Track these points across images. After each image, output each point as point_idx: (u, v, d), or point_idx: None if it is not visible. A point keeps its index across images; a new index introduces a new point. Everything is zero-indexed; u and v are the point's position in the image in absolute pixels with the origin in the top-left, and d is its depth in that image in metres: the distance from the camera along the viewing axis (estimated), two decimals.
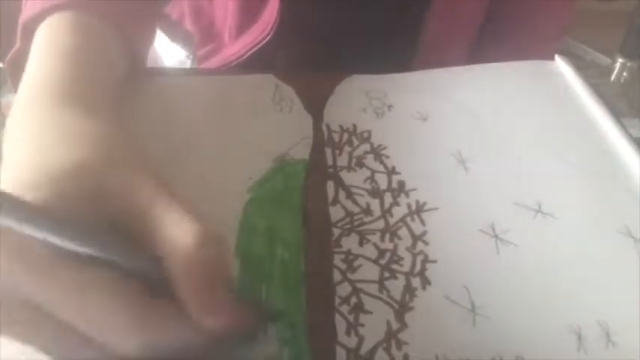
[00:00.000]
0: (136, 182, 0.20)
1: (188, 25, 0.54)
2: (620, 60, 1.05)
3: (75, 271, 0.18)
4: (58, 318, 0.18)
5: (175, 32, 0.52)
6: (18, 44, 0.33)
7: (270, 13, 0.46)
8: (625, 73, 1.05)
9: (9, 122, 0.25)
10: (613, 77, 1.06)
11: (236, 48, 0.49)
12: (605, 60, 1.12)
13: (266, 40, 0.47)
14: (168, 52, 0.54)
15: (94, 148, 0.22)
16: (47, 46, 0.30)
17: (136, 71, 0.36)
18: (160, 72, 0.45)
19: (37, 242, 0.18)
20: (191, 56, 0.52)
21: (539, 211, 0.31)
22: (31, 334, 0.18)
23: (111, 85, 0.30)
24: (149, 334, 0.18)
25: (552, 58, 0.42)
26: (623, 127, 0.35)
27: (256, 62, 0.48)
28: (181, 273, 0.19)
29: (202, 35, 0.54)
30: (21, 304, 0.18)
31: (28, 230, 0.17)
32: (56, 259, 0.18)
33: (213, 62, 0.52)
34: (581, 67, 0.41)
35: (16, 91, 0.27)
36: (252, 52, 0.48)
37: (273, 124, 0.35)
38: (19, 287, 0.18)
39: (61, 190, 0.20)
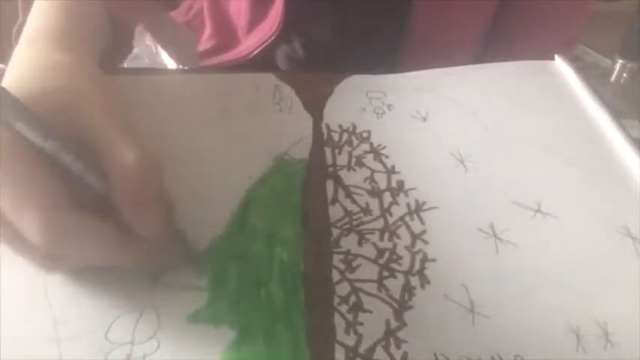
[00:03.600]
0: (90, 111, 0.24)
1: (205, 15, 0.55)
2: (620, 61, 1.05)
3: (26, 165, 0.22)
4: None
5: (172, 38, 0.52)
6: (20, 18, 0.37)
7: (275, 13, 0.47)
8: (625, 74, 1.05)
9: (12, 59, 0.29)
10: (613, 78, 1.06)
11: (245, 45, 0.50)
12: (605, 61, 1.12)
13: (271, 39, 0.47)
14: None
15: (63, 79, 0.26)
16: (44, 2, 0.33)
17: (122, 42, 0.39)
18: (160, 71, 0.45)
19: (6, 135, 0.22)
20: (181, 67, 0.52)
21: (538, 210, 0.31)
22: None
23: (92, 36, 0.34)
24: (59, 236, 0.22)
25: (552, 59, 0.42)
26: (623, 128, 0.35)
27: (264, 60, 0.49)
28: (120, 184, 0.23)
29: (217, 29, 0.54)
30: None
31: (12, 120, 0.22)
32: (16, 153, 0.22)
33: (225, 57, 0.52)
34: (581, 67, 0.41)
35: None
36: (259, 50, 0.48)
37: (272, 124, 0.35)
38: None
39: (35, 108, 0.23)
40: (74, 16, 0.33)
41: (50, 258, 0.24)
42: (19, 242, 0.23)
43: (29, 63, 0.28)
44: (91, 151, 0.24)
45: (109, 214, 0.23)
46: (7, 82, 0.27)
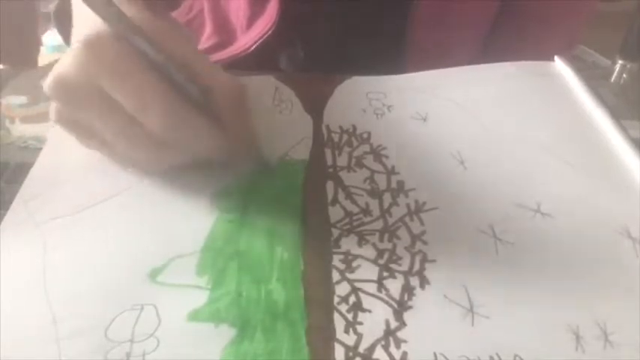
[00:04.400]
0: (190, 47, 0.29)
1: (206, 14, 0.55)
2: (620, 61, 1.05)
3: (144, 74, 0.27)
4: (119, 104, 0.27)
5: None
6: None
7: (272, 9, 0.47)
8: (625, 75, 1.05)
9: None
10: (613, 78, 1.06)
11: (243, 41, 0.50)
12: (605, 61, 1.12)
13: (267, 34, 0.47)
14: None
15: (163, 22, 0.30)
16: None
17: None
18: None
19: (125, 49, 0.27)
20: None
21: (538, 211, 0.31)
22: (102, 117, 0.28)
23: None
24: (177, 123, 0.27)
25: (552, 59, 0.42)
26: (623, 129, 0.35)
27: (261, 58, 0.49)
28: (223, 95, 0.29)
29: (218, 29, 0.55)
30: (98, 91, 0.27)
31: (132, 38, 0.27)
32: (134, 63, 0.27)
33: (223, 54, 0.52)
34: (581, 68, 0.41)
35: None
36: (256, 45, 0.48)
37: (273, 125, 0.36)
38: (98, 79, 0.27)
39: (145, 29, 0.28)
40: None
41: (162, 148, 0.28)
42: (137, 136, 0.28)
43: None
44: (190, 70, 0.28)
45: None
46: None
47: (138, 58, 0.27)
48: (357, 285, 0.27)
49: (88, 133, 0.30)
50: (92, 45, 0.27)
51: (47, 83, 0.28)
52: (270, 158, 0.33)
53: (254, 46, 0.49)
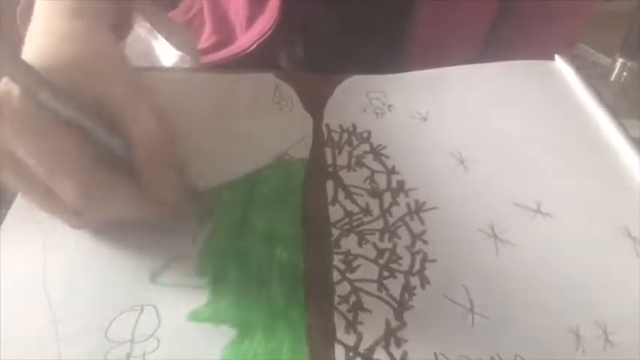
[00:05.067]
0: (115, 82, 0.26)
1: (205, 13, 0.55)
2: (620, 60, 1.05)
3: (55, 136, 0.24)
4: (30, 169, 0.24)
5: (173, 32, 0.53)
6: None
7: (272, 8, 0.47)
8: (625, 74, 1.05)
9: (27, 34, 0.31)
10: (613, 77, 1.06)
11: (243, 40, 0.50)
12: (605, 60, 1.12)
13: (268, 34, 0.47)
14: (166, 50, 0.54)
15: (80, 48, 0.27)
16: None
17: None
18: (159, 69, 0.45)
19: (35, 108, 0.24)
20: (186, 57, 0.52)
21: (538, 211, 0.31)
22: (14, 178, 0.25)
23: (102, 8, 0.33)
24: (91, 194, 0.25)
25: (552, 58, 0.42)
26: (623, 128, 0.35)
27: (261, 57, 0.49)
28: (142, 149, 0.26)
29: (217, 28, 0.54)
30: (9, 155, 0.24)
31: (45, 96, 0.24)
32: (45, 124, 0.24)
33: (222, 54, 0.52)
34: (582, 67, 0.41)
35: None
36: (256, 45, 0.48)
37: (273, 124, 0.35)
38: (7, 141, 0.24)
39: (56, 79, 0.25)
40: None
41: (79, 214, 0.26)
42: (52, 203, 0.25)
43: (46, 35, 0.29)
44: (111, 118, 0.26)
45: (130, 175, 0.26)
46: (27, 56, 0.27)
47: (49, 119, 0.24)
48: (358, 285, 0.27)
49: (12, 188, 0.27)
50: (2, 106, 0.24)
51: None
52: (208, 206, 0.30)
53: (254, 46, 0.49)
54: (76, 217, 0.27)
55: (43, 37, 0.29)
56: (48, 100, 0.24)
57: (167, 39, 0.49)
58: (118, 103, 0.26)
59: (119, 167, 0.26)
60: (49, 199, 0.25)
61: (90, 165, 0.25)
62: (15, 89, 0.24)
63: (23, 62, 0.24)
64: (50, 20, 0.31)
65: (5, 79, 0.24)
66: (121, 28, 0.38)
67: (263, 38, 0.48)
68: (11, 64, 0.24)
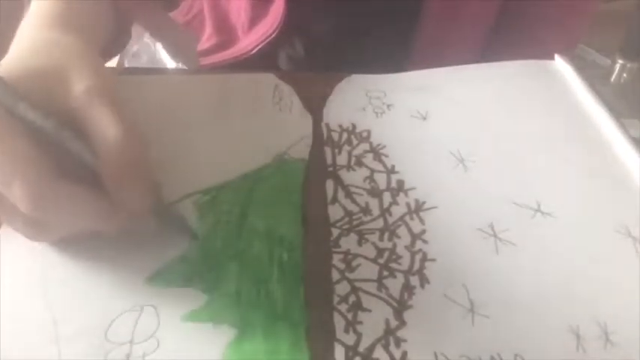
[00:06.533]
0: (78, 86, 0.26)
1: (205, 14, 0.55)
2: (620, 61, 1.05)
3: (12, 143, 0.23)
4: None
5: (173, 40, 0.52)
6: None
7: (276, 11, 0.47)
8: (625, 74, 1.05)
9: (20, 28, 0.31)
10: (613, 78, 1.06)
11: (246, 42, 0.50)
12: (605, 60, 1.12)
13: (271, 37, 0.47)
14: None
15: (55, 55, 0.27)
16: None
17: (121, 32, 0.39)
18: (160, 70, 0.45)
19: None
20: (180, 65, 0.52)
21: (538, 210, 0.31)
22: None
23: (95, 21, 0.34)
24: (46, 205, 0.23)
25: (552, 58, 0.42)
26: (623, 128, 0.35)
27: (264, 59, 0.49)
28: (105, 159, 0.24)
29: (217, 29, 0.55)
30: None
31: (16, 106, 0.24)
32: (6, 130, 0.23)
33: (223, 55, 0.52)
34: (581, 67, 0.41)
35: None
36: (258, 48, 0.48)
37: (272, 123, 0.35)
38: None
39: (22, 86, 0.25)
40: (79, 2, 0.33)
41: (36, 225, 0.25)
42: (9, 212, 0.24)
43: (27, 41, 0.29)
44: (77, 126, 0.25)
45: (95, 184, 0.25)
46: (4, 60, 0.27)
47: (7, 126, 0.24)
48: (357, 284, 0.27)
49: None
50: None
51: None
52: (191, 225, 0.29)
53: (256, 49, 0.49)
54: (35, 229, 0.26)
55: (24, 42, 0.30)
56: (25, 113, 0.24)
57: (165, 48, 0.49)
58: (83, 113, 0.25)
59: (90, 180, 0.25)
60: (6, 209, 0.25)
61: (49, 176, 0.23)
62: None
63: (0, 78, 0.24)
64: (37, 28, 0.30)
65: None
66: (117, 41, 0.39)
67: (265, 42, 0.48)
68: None
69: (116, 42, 0.39)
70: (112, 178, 0.25)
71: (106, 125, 0.25)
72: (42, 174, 0.23)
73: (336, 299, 0.26)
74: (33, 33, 0.30)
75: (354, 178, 0.32)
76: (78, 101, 0.25)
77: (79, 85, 0.26)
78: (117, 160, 0.25)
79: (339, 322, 0.25)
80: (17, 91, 0.24)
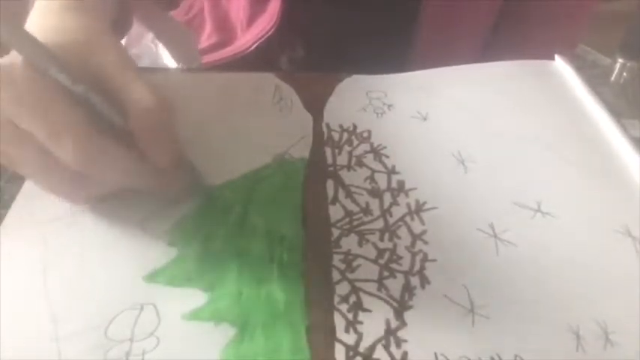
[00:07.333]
0: (107, 59, 0.27)
1: (206, 13, 0.55)
2: (620, 60, 1.05)
3: (57, 104, 0.25)
4: (30, 135, 0.25)
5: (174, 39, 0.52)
6: None
7: (273, 8, 0.47)
8: (625, 74, 1.05)
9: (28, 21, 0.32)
10: (613, 77, 1.06)
11: (243, 40, 0.50)
12: (605, 60, 1.12)
13: (269, 34, 0.47)
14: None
15: (80, 35, 0.29)
16: None
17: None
18: (160, 70, 0.45)
19: (38, 76, 0.25)
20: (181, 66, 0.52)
21: (538, 210, 0.31)
22: (11, 149, 0.25)
23: (103, 5, 0.34)
24: (92, 156, 0.25)
25: (552, 58, 0.42)
26: (623, 127, 0.35)
27: (261, 58, 0.49)
28: (138, 120, 0.26)
29: (217, 28, 0.55)
30: (4, 124, 0.25)
31: (41, 63, 0.25)
32: (50, 91, 0.25)
33: (222, 53, 0.52)
34: (581, 66, 0.41)
35: None
36: (256, 45, 0.48)
37: (272, 123, 0.35)
38: (5, 109, 0.25)
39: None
40: None
41: (78, 181, 0.26)
42: (51, 167, 0.26)
43: (44, 29, 0.30)
44: (110, 93, 0.27)
45: (129, 146, 0.27)
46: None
47: (52, 87, 0.25)
48: (358, 284, 0.27)
49: (10, 162, 0.27)
50: (1, 75, 0.25)
51: None
52: (208, 181, 0.31)
53: (254, 46, 0.49)
54: (74, 185, 0.27)
55: (41, 30, 0.29)
56: (57, 75, 0.25)
57: (165, 46, 0.49)
58: (112, 75, 0.27)
59: (120, 139, 0.27)
60: (48, 170, 0.26)
61: (91, 130, 0.25)
62: (18, 61, 0.25)
63: (30, 36, 0.25)
64: (48, 15, 0.31)
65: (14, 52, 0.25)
66: (120, 24, 0.38)
67: (263, 38, 0.48)
68: (18, 37, 0.25)
69: (119, 29, 0.39)
70: (144, 137, 0.27)
71: (139, 92, 0.26)
72: (86, 131, 0.25)
73: (336, 299, 0.26)
74: (46, 21, 0.30)
75: (355, 178, 0.32)
76: (108, 70, 0.27)
77: (108, 57, 0.27)
78: (149, 121, 0.26)
79: (339, 322, 0.25)
80: (50, 53, 0.26)
